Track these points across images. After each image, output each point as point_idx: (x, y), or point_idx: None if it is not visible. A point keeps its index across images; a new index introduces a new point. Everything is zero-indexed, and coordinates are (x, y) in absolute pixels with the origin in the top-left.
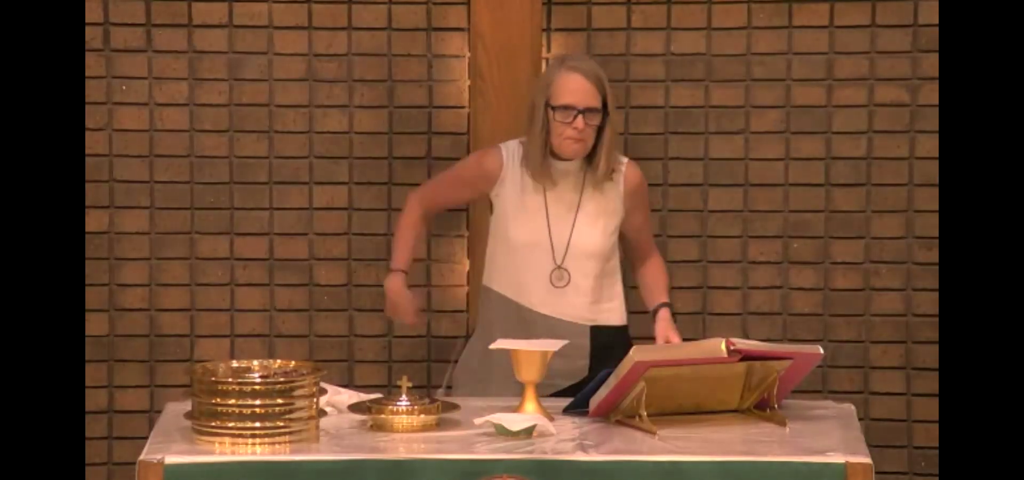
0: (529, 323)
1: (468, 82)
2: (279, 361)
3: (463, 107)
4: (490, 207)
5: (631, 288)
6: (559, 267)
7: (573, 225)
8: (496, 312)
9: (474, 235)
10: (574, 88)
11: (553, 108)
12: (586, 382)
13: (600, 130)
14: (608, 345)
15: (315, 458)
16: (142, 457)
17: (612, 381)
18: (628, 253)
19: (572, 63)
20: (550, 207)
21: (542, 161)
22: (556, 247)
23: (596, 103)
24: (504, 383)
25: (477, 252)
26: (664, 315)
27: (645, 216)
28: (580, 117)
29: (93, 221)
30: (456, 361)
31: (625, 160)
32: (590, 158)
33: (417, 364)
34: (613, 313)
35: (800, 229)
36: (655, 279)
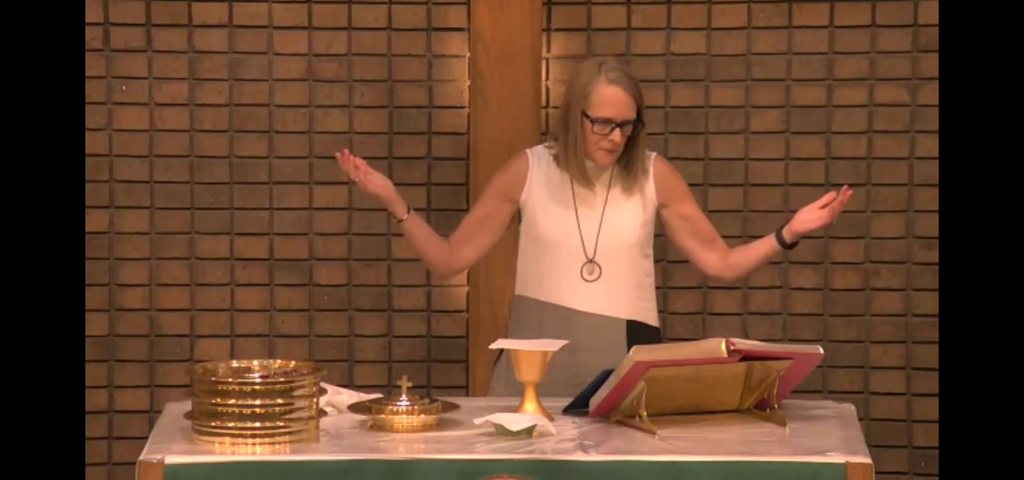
0: (565, 322)
1: (468, 82)
2: (279, 361)
3: (463, 107)
4: (519, 219)
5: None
6: (590, 261)
7: (602, 217)
8: (531, 317)
9: None
10: (613, 101)
11: (591, 119)
12: None
13: (633, 135)
14: (645, 343)
15: (315, 458)
16: (142, 457)
17: (612, 381)
18: (701, 259)
19: (611, 73)
20: (578, 202)
21: (580, 164)
22: (586, 241)
23: (633, 114)
24: (552, 385)
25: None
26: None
27: (692, 204)
28: (618, 130)
29: (93, 221)
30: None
31: (653, 155)
32: (620, 157)
33: (417, 364)
34: (649, 313)
35: None
36: (746, 244)
